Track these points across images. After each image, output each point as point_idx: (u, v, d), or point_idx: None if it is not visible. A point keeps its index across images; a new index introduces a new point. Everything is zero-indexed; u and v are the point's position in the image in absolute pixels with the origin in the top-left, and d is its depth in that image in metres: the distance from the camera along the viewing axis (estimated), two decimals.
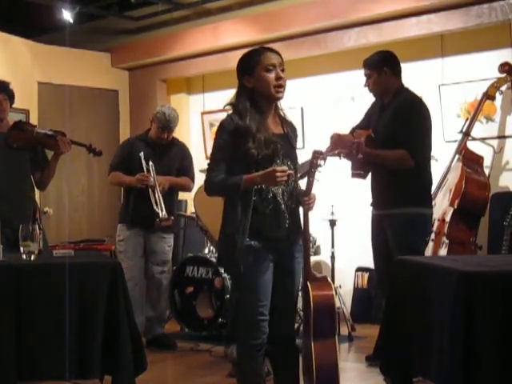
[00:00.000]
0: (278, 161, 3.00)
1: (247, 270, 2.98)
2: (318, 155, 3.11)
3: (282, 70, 3.04)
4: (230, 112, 3.07)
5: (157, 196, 4.96)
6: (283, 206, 3.01)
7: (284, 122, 3.14)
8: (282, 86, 3.02)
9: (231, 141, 2.98)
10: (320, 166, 3.09)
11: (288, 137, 3.11)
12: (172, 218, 5.05)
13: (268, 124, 3.04)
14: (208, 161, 3.13)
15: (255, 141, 2.95)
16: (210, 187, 3.05)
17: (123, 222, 5.19)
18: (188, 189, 5.39)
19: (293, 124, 3.22)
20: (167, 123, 5.04)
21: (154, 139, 5.14)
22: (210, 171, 3.04)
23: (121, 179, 5.18)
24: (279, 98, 3.06)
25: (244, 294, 3.06)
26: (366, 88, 4.40)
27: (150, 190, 4.97)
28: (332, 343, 3.16)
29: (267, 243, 2.99)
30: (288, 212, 3.03)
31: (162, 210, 4.93)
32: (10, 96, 4.45)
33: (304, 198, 3.05)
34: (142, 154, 5.03)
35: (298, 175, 3.20)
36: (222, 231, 3.08)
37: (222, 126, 3.03)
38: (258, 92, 3.02)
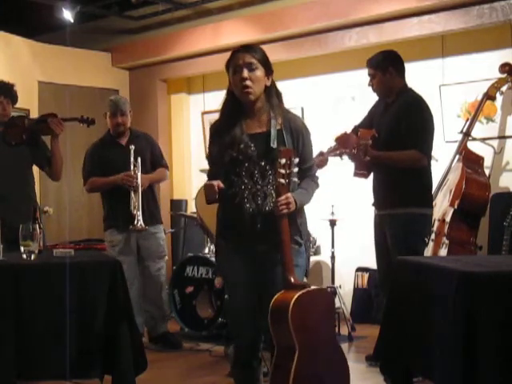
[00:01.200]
0: (247, 163, 2.93)
1: (219, 265, 3.27)
2: (284, 154, 2.81)
3: (254, 69, 2.92)
4: None
5: (137, 198, 4.88)
6: (250, 209, 2.92)
7: (272, 121, 2.95)
8: (248, 87, 2.90)
9: (213, 144, 3.05)
10: (282, 164, 2.79)
11: (269, 136, 2.92)
12: (147, 227, 4.94)
13: (244, 125, 2.96)
14: (207, 160, 3.22)
15: (220, 143, 2.96)
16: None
17: (112, 227, 5.11)
18: (165, 179, 5.43)
19: (297, 121, 3.05)
20: (116, 106, 5.07)
21: (115, 135, 5.12)
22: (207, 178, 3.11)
23: (102, 181, 5.05)
24: (247, 100, 2.94)
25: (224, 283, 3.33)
26: (368, 88, 4.39)
27: (132, 190, 4.89)
28: (286, 372, 2.71)
29: (236, 244, 3.01)
30: (261, 214, 2.92)
31: (138, 221, 4.85)
32: (13, 98, 4.45)
33: (275, 201, 2.86)
34: (132, 146, 4.96)
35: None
36: None
37: (209, 130, 3.12)
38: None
